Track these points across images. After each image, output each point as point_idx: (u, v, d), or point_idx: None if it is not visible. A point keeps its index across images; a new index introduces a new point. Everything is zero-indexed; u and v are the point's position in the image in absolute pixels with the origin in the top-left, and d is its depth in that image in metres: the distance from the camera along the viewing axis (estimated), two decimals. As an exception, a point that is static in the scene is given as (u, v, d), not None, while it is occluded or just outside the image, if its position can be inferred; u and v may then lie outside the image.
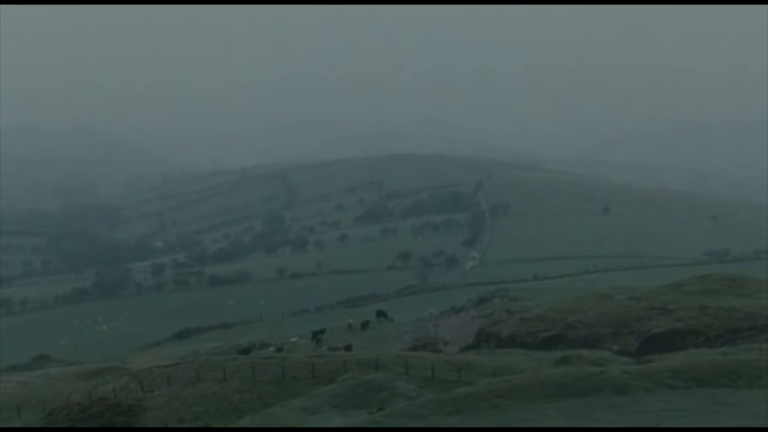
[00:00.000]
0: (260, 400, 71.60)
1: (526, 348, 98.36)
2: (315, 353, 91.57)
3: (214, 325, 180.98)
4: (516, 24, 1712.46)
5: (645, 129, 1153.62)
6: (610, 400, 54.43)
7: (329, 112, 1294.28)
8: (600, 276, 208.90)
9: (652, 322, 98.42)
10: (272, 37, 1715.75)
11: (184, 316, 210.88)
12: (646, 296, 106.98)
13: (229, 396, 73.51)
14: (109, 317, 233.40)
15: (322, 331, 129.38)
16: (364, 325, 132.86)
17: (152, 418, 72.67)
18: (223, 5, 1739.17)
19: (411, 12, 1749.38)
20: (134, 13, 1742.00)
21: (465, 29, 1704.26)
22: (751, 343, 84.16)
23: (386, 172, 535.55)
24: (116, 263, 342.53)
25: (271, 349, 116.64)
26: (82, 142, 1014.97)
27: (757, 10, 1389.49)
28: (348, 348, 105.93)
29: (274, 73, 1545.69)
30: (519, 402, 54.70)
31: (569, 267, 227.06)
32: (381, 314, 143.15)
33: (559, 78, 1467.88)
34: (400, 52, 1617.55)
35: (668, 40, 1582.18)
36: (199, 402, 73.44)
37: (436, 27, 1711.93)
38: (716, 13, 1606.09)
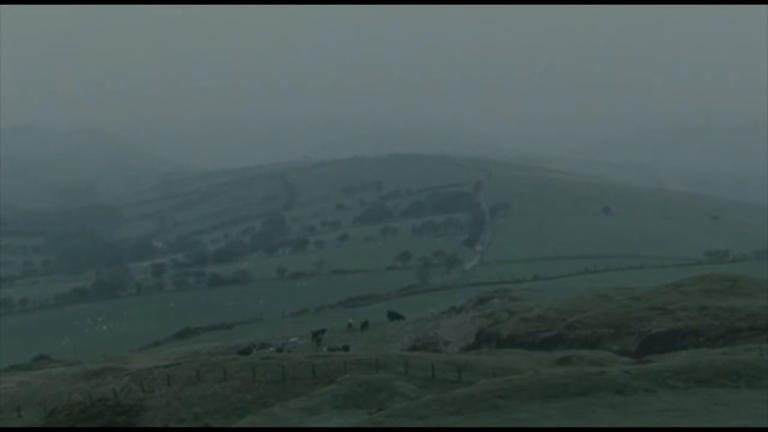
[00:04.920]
0: (260, 400, 71.60)
1: (526, 348, 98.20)
2: (315, 353, 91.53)
3: (214, 325, 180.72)
4: (516, 24, 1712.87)
5: (645, 129, 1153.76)
6: (610, 400, 54.44)
7: (329, 113, 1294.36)
8: (600, 276, 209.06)
9: (652, 322, 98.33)
10: (273, 37, 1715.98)
11: (184, 316, 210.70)
12: (646, 296, 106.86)
13: (229, 396, 73.51)
14: (109, 317, 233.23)
15: (322, 331, 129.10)
16: (364, 325, 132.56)
17: (152, 419, 72.66)
18: (223, 5, 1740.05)
19: (411, 12, 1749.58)
20: (134, 13, 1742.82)
21: (465, 29, 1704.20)
22: (751, 343, 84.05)
23: (386, 172, 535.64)
24: (116, 263, 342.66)
25: (271, 349, 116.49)
26: (82, 142, 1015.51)
27: (757, 10, 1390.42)
28: (345, 348, 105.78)
29: (275, 74, 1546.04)
30: (519, 402, 54.71)
31: (569, 267, 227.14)
32: (393, 315, 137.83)
33: (560, 78, 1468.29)
34: (400, 52, 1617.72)
35: (668, 40, 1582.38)
36: (199, 402, 73.45)
37: (436, 27, 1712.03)
38: (716, 13, 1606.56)
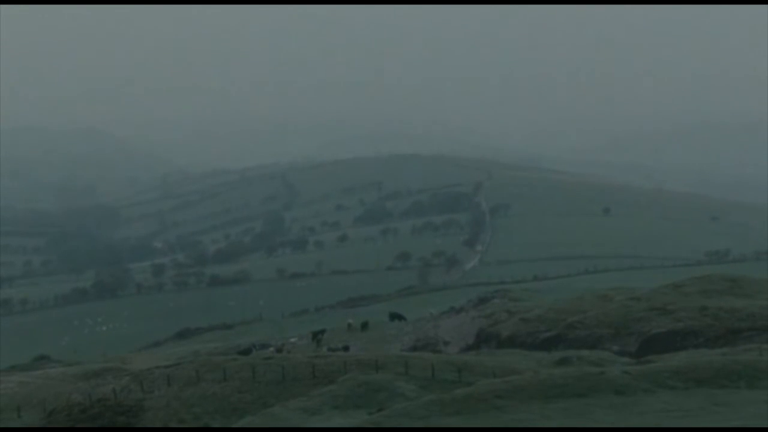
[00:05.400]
0: (260, 400, 71.61)
1: (526, 348, 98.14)
2: (315, 354, 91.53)
3: (214, 325, 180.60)
4: (516, 25, 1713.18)
5: (645, 129, 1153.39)
6: (610, 401, 54.47)
7: (330, 113, 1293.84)
8: (600, 276, 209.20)
9: (652, 322, 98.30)
10: (273, 37, 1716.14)
11: (184, 316, 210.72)
12: (645, 297, 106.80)
13: (229, 396, 73.51)
14: (109, 317, 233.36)
15: (322, 332, 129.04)
16: (364, 326, 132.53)
17: (152, 419, 72.65)
18: (224, 5, 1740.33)
19: (411, 12, 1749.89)
20: (134, 13, 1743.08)
21: (465, 30, 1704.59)
22: (751, 343, 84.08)
23: (386, 173, 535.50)
24: (116, 263, 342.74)
25: (271, 349, 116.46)
26: (82, 142, 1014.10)
27: (757, 10, 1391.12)
28: (345, 349, 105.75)
29: (275, 74, 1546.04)
30: (519, 402, 54.74)
31: (569, 267, 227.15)
32: (395, 316, 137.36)
33: (560, 78, 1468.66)
34: (400, 52, 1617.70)
35: (668, 41, 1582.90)
36: (199, 402, 73.44)
37: (437, 28, 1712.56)
38: (716, 13, 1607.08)
